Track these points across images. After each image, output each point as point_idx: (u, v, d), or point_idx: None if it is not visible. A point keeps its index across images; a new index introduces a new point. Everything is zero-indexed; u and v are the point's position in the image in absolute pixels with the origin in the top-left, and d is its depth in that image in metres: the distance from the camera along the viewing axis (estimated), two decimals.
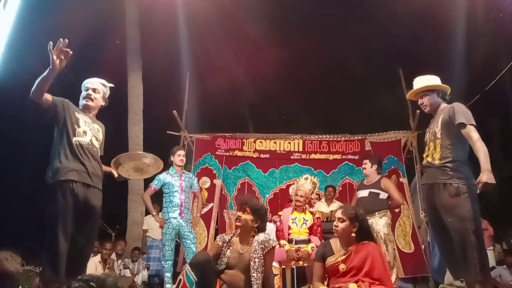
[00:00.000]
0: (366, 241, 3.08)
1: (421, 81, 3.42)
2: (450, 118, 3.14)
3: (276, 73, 12.63)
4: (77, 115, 3.14)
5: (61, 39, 2.80)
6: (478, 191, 2.91)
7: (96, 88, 3.28)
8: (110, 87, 3.41)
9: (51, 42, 2.78)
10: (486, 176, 2.82)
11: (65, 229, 2.87)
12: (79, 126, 3.10)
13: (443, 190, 3.10)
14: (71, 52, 2.85)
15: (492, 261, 6.36)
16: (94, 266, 5.54)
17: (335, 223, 3.16)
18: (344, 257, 3.06)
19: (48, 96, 2.98)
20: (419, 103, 3.48)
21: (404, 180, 6.68)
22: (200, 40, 11.26)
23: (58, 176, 2.94)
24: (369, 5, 10.95)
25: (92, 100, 3.26)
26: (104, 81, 3.36)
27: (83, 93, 3.29)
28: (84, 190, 3.01)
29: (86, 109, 3.26)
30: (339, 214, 3.16)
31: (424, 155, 3.41)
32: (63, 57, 2.83)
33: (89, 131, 3.16)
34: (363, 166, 4.99)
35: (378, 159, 5.03)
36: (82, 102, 3.27)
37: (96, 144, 3.21)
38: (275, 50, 11.83)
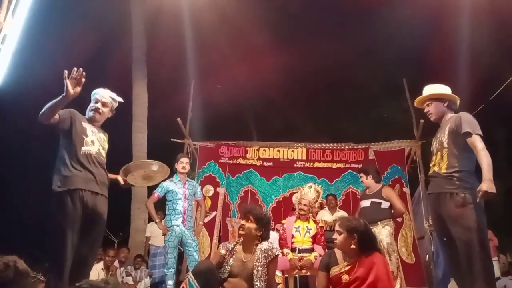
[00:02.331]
0: (371, 252, 3.05)
1: (429, 89, 3.42)
2: (457, 128, 3.13)
3: (280, 81, 12.69)
4: (84, 125, 3.17)
5: (76, 68, 2.86)
6: (477, 200, 2.90)
7: (106, 102, 3.31)
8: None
9: (66, 71, 2.84)
10: (487, 185, 2.81)
11: (73, 237, 2.91)
12: (87, 136, 3.14)
13: (449, 200, 3.08)
14: (84, 80, 2.90)
15: (497, 272, 6.31)
16: (97, 273, 5.54)
17: (334, 236, 3.14)
18: (348, 268, 3.03)
19: (55, 115, 3.01)
20: (425, 111, 3.48)
21: (406, 190, 6.64)
22: (204, 49, 11.35)
23: (67, 185, 2.97)
24: (375, 15, 11.00)
25: (99, 113, 3.29)
26: (114, 95, 3.38)
27: (92, 105, 3.30)
28: (92, 198, 3.05)
29: (93, 120, 3.29)
30: (336, 226, 3.13)
31: (431, 165, 3.39)
32: (78, 86, 2.89)
33: (96, 141, 3.20)
34: (360, 179, 5.04)
35: (372, 169, 5.07)
36: (89, 113, 3.29)
37: (103, 153, 3.26)
38: (279, 59, 11.89)
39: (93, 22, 10.03)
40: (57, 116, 3.00)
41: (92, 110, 3.28)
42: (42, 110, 2.93)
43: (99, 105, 3.28)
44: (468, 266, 2.98)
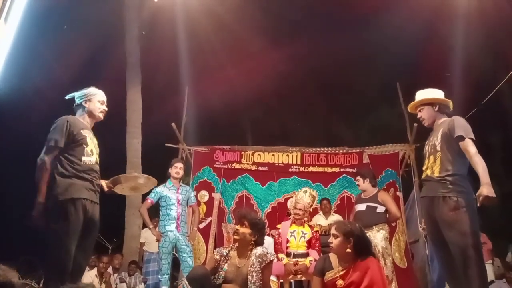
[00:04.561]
0: (365, 256, 3.05)
1: (421, 95, 3.44)
2: (450, 131, 3.15)
3: (274, 86, 12.72)
4: (83, 132, 3.15)
5: None
6: (478, 205, 2.90)
7: (105, 102, 3.36)
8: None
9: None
10: (487, 189, 2.81)
11: (72, 246, 2.92)
12: (87, 145, 3.14)
13: (443, 203, 3.09)
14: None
15: (491, 275, 6.33)
16: (90, 279, 5.50)
17: (329, 239, 3.14)
18: (342, 272, 3.03)
19: (55, 153, 3.04)
20: (418, 116, 3.50)
21: (400, 194, 6.65)
22: (199, 54, 11.35)
23: (71, 194, 2.97)
24: (369, 21, 11.08)
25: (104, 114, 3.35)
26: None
27: (99, 106, 3.29)
28: (92, 207, 3.08)
29: (96, 121, 3.32)
30: (333, 230, 3.13)
31: (424, 168, 3.40)
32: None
33: (94, 149, 3.21)
34: (357, 182, 5.02)
35: (369, 173, 5.05)
36: (98, 114, 3.29)
37: (98, 160, 3.26)
38: (273, 63, 11.92)
39: (87, 27, 10.01)
40: (56, 153, 3.05)
41: (100, 112, 3.30)
42: (37, 171, 2.97)
43: (105, 106, 3.33)
44: (462, 270, 2.99)
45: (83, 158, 3.09)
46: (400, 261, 6.14)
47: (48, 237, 2.95)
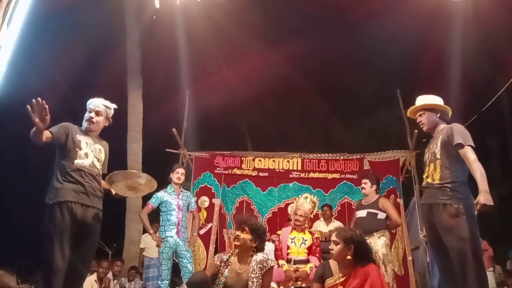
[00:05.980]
0: (366, 263, 3.04)
1: (422, 100, 3.45)
2: (449, 139, 3.16)
3: (275, 91, 12.74)
4: (78, 137, 3.19)
5: (34, 100, 2.75)
6: (476, 212, 2.91)
7: (99, 110, 3.32)
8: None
9: (28, 106, 2.73)
10: (484, 197, 2.82)
11: (62, 248, 2.91)
12: (80, 149, 3.16)
13: (443, 210, 3.09)
14: (47, 106, 2.78)
15: (492, 283, 6.30)
16: (90, 285, 5.48)
17: (330, 246, 3.13)
18: (343, 279, 3.02)
19: (47, 134, 2.97)
20: (417, 121, 3.50)
21: (400, 201, 6.62)
22: (199, 59, 11.39)
23: (57, 197, 3.00)
24: (369, 27, 11.12)
25: (93, 123, 3.31)
26: (107, 103, 3.39)
27: (86, 115, 3.32)
28: (82, 210, 3.06)
29: (88, 131, 3.31)
30: (333, 237, 3.13)
31: (424, 176, 3.41)
32: (44, 115, 2.78)
33: (90, 153, 3.21)
34: (362, 185, 4.98)
35: (377, 179, 5.04)
36: (84, 124, 3.31)
37: (98, 165, 3.26)
38: (274, 69, 11.96)
39: (88, 32, 10.06)
40: (49, 135, 2.99)
41: (86, 120, 3.31)
42: (30, 135, 2.91)
43: (92, 114, 3.30)
44: (462, 276, 2.98)
45: (75, 161, 3.11)
46: (399, 268, 6.10)
47: (40, 241, 2.98)
